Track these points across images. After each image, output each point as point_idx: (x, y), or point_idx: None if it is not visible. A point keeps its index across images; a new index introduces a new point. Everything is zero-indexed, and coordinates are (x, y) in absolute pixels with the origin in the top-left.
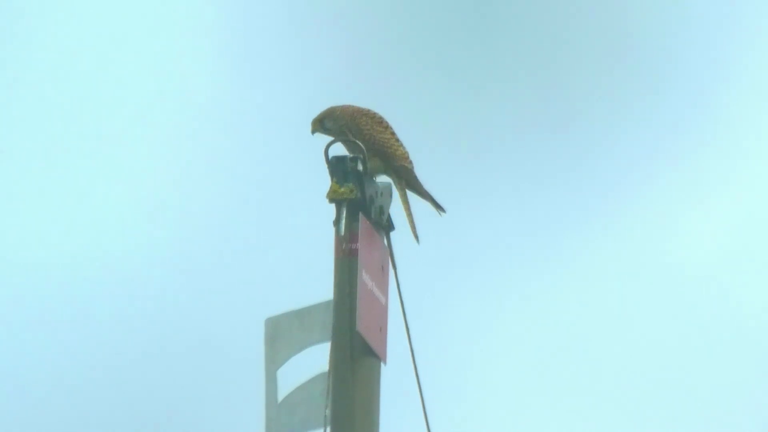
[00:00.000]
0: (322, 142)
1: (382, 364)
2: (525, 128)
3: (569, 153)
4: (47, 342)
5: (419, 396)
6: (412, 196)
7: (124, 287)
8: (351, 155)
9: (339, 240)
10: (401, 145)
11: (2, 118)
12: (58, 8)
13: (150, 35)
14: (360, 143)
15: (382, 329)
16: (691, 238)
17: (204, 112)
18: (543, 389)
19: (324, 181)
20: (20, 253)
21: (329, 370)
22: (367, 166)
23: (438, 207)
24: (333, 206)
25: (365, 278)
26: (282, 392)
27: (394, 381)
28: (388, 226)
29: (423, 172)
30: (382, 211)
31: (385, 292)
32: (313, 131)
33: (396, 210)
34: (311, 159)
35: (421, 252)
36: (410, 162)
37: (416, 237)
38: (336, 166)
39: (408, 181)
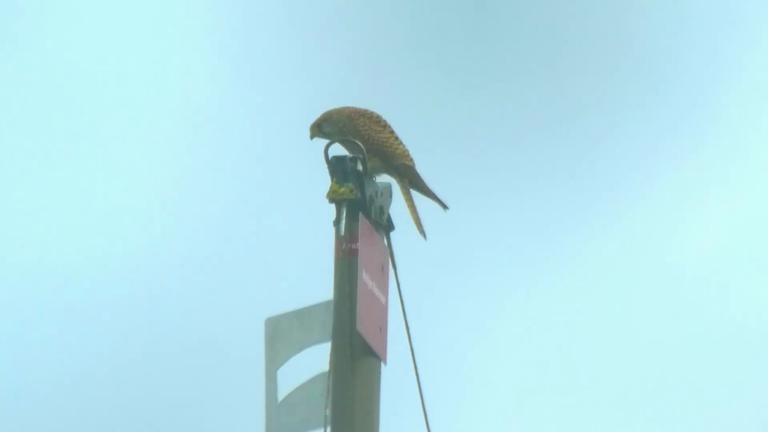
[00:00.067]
0: (322, 142)
1: (382, 364)
2: (525, 128)
3: (569, 153)
4: (47, 342)
5: (419, 396)
6: (415, 194)
7: (124, 287)
8: (351, 155)
9: (339, 240)
10: (401, 143)
11: (2, 118)
12: (58, 8)
13: (150, 35)
14: (360, 143)
15: (382, 329)
16: (691, 238)
17: (204, 112)
18: (543, 389)
19: (324, 181)
20: (20, 253)
21: (329, 370)
22: (367, 167)
23: (441, 204)
24: (333, 206)
25: (365, 278)
26: (282, 392)
27: (394, 381)
28: (388, 226)
29: (423, 172)
30: (382, 211)
31: (385, 292)
32: (312, 136)
33: (397, 210)
34: (311, 159)
35: (421, 252)
36: (411, 159)
37: (423, 233)
38: (336, 166)
39: (410, 179)
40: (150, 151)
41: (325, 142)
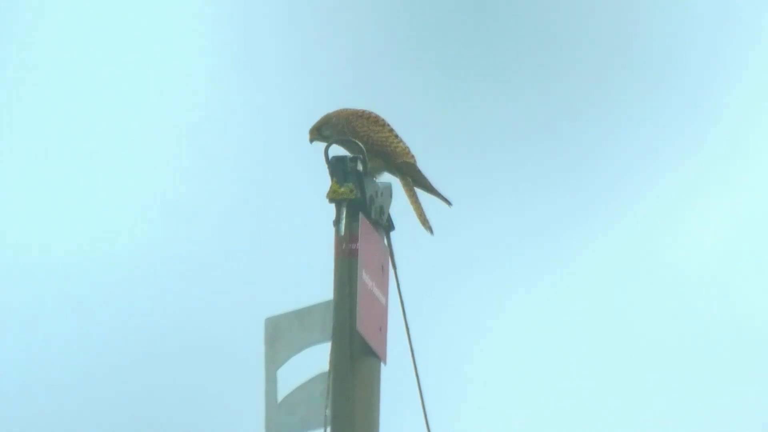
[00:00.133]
0: (322, 144)
1: (382, 364)
2: (524, 128)
3: (569, 152)
4: (47, 342)
5: (419, 396)
6: (419, 192)
7: (124, 287)
8: (351, 155)
9: (339, 240)
10: (401, 141)
11: (2, 118)
12: (58, 8)
13: (150, 35)
14: (360, 143)
15: (382, 329)
16: (692, 238)
17: (204, 112)
18: (543, 389)
19: (324, 181)
20: (20, 253)
21: (329, 370)
22: (367, 167)
23: (445, 200)
24: (333, 206)
25: (365, 278)
26: (282, 392)
27: (394, 381)
28: (388, 226)
29: (424, 172)
30: (382, 211)
31: (385, 292)
32: (312, 140)
33: (397, 210)
34: (311, 159)
35: (421, 252)
36: (412, 157)
37: (430, 229)
38: (336, 166)
39: (412, 176)
40: (150, 151)
41: (325, 144)
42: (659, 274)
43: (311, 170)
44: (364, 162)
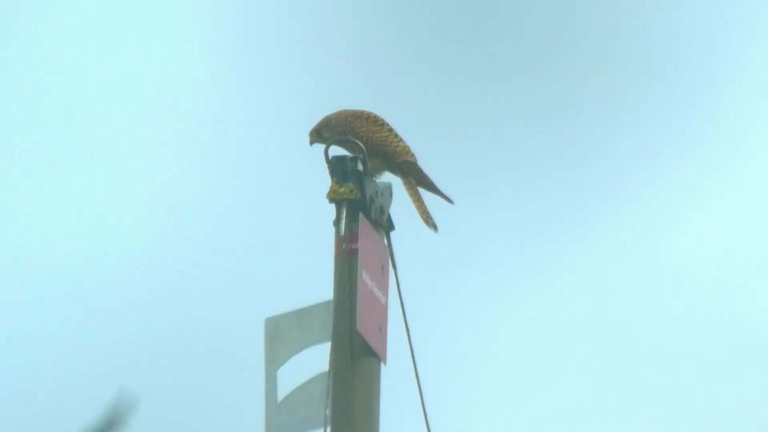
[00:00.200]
0: (323, 145)
1: (382, 364)
2: (524, 128)
3: (569, 152)
4: (47, 342)
5: (419, 396)
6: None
7: (124, 287)
8: (351, 155)
9: (339, 240)
10: (401, 140)
11: (2, 118)
12: (58, 8)
13: (150, 35)
14: (360, 143)
15: (382, 329)
16: (692, 238)
17: (204, 111)
18: (543, 389)
19: (324, 181)
20: (20, 253)
21: (329, 370)
22: (367, 166)
23: (446, 198)
24: (333, 206)
25: (365, 278)
26: (282, 392)
27: (394, 381)
28: (388, 226)
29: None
30: (382, 211)
31: (385, 292)
32: (312, 142)
33: (397, 210)
34: (311, 159)
35: (421, 252)
36: (412, 155)
37: (434, 226)
38: (336, 166)
39: (413, 175)
40: (150, 151)
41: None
42: (659, 274)
43: (311, 170)
44: (364, 162)
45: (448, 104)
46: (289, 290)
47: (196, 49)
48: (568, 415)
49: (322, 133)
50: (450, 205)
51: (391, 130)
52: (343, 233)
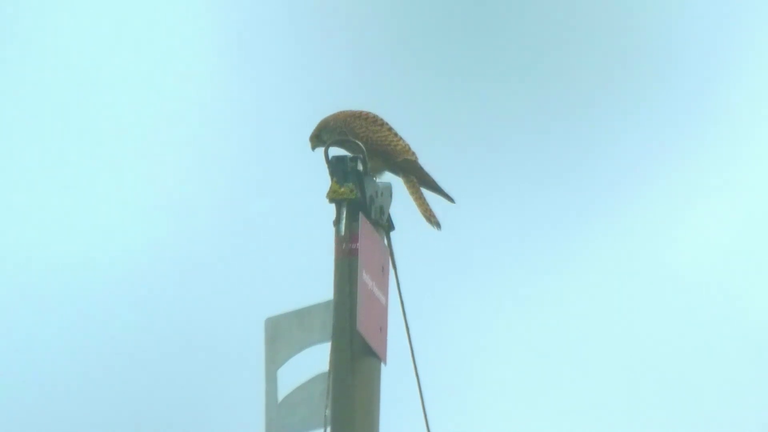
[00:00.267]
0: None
1: (382, 364)
2: (524, 128)
3: (569, 152)
4: (47, 342)
5: (419, 396)
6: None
7: (124, 287)
8: (351, 155)
9: (339, 240)
10: (400, 139)
11: (2, 118)
12: (58, 8)
13: (150, 35)
14: (360, 143)
15: (382, 329)
16: (692, 239)
17: (204, 112)
18: (543, 389)
19: (324, 181)
20: (20, 253)
21: (329, 370)
22: (367, 166)
23: (448, 197)
24: (333, 206)
25: (365, 278)
26: (282, 392)
27: (394, 381)
28: (388, 226)
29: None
30: (382, 211)
31: (385, 292)
32: (314, 147)
33: (397, 210)
34: (311, 159)
35: (421, 252)
36: (413, 154)
37: (437, 224)
38: (336, 166)
39: (414, 174)
40: (150, 151)
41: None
42: (660, 274)
43: (311, 170)
44: (364, 162)
45: (448, 105)
46: (289, 290)
47: (196, 49)
48: (568, 415)
49: (321, 136)
50: (450, 205)
51: (390, 129)
52: (343, 233)
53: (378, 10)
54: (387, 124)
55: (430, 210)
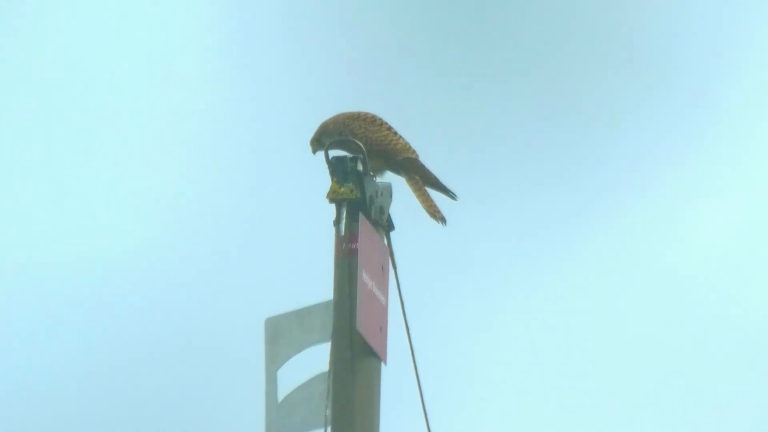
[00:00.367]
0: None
1: (382, 364)
2: (526, 128)
3: (570, 154)
4: (47, 342)
5: (419, 396)
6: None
7: (124, 287)
8: (351, 155)
9: (339, 240)
10: (400, 137)
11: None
12: (59, 8)
13: (150, 35)
14: (360, 143)
15: (382, 329)
16: (693, 239)
17: (204, 112)
18: (543, 389)
19: (324, 181)
20: (20, 253)
21: (329, 370)
22: (367, 166)
23: (450, 194)
24: (333, 206)
25: (365, 278)
26: (282, 392)
27: (394, 381)
28: (388, 226)
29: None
30: (382, 211)
31: (385, 292)
32: (314, 151)
33: (397, 210)
34: (311, 159)
35: (421, 252)
36: (413, 152)
37: (442, 220)
38: (336, 166)
39: (415, 172)
40: (150, 151)
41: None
42: (660, 274)
43: (311, 170)
44: (364, 162)
45: (450, 104)
46: (289, 290)
47: (196, 50)
48: (568, 415)
49: (322, 139)
50: (450, 205)
51: (390, 128)
52: (343, 233)
53: (379, 10)
54: (386, 123)
55: (435, 206)
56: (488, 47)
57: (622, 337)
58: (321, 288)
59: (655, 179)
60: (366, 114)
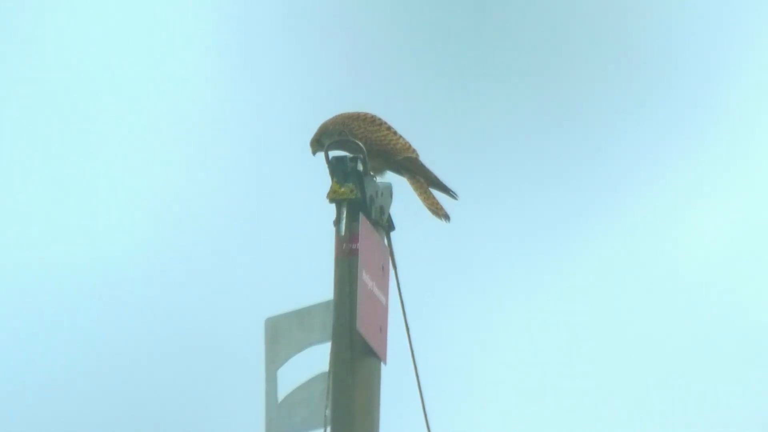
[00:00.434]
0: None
1: (382, 364)
2: (526, 128)
3: (570, 153)
4: (47, 342)
5: (419, 396)
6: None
7: (124, 287)
8: (351, 155)
9: (339, 240)
10: (400, 137)
11: (2, 118)
12: (59, 8)
13: (150, 35)
14: (360, 143)
15: (382, 329)
16: (693, 238)
17: (204, 112)
18: (543, 389)
19: (324, 181)
20: (20, 253)
21: (329, 370)
22: (367, 166)
23: (450, 194)
24: (333, 206)
25: (365, 278)
26: (282, 392)
27: (394, 381)
28: (388, 226)
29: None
30: (382, 211)
31: (385, 292)
32: (314, 152)
33: (398, 210)
34: (311, 159)
35: (421, 252)
36: (413, 151)
37: (445, 216)
38: (336, 166)
39: (416, 171)
40: (150, 151)
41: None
42: (660, 274)
43: (311, 170)
44: (364, 162)
45: (451, 104)
46: (289, 290)
47: (197, 50)
48: (568, 415)
49: (322, 140)
50: (450, 205)
51: (389, 128)
52: (343, 233)
53: (379, 10)
54: (386, 123)
55: (438, 203)
56: (488, 47)
57: (622, 337)
58: (321, 288)
59: (655, 179)
60: (365, 114)
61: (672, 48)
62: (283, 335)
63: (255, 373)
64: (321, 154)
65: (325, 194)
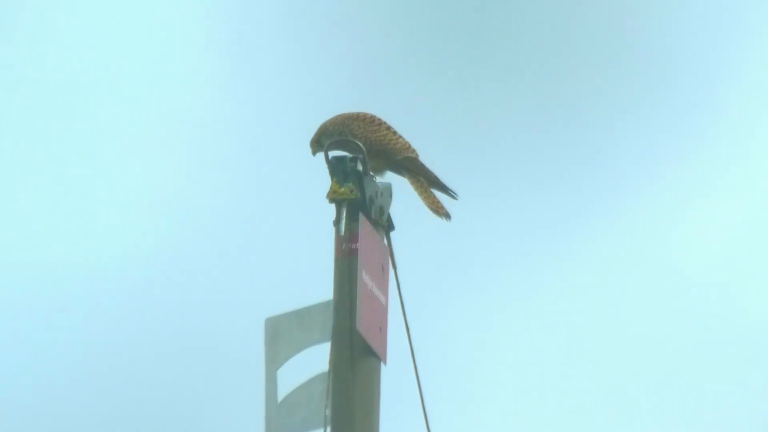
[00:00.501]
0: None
1: (382, 364)
2: (525, 128)
3: (570, 153)
4: (47, 342)
5: (419, 396)
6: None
7: (124, 287)
8: (351, 155)
9: (339, 240)
10: (400, 137)
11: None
12: (59, 8)
13: (150, 35)
14: (359, 143)
15: (382, 329)
16: (693, 238)
17: (204, 112)
18: (543, 389)
19: (324, 181)
20: (20, 253)
21: (329, 370)
22: (367, 166)
23: (450, 194)
24: (333, 206)
25: (365, 278)
26: (282, 392)
27: (394, 381)
28: (388, 226)
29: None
30: (382, 211)
31: (385, 292)
32: (314, 152)
33: (398, 210)
34: (311, 159)
35: (421, 252)
36: (413, 151)
37: (446, 215)
38: (336, 166)
39: (416, 171)
40: (150, 151)
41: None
42: (660, 273)
43: (311, 170)
44: (364, 162)
45: (450, 104)
46: (289, 290)
47: (197, 50)
48: (568, 415)
49: (321, 140)
50: (451, 205)
51: (389, 128)
52: (343, 233)
53: (379, 10)
54: (385, 123)
55: (438, 202)
56: (488, 47)
57: (623, 337)
58: (321, 288)
59: (654, 179)
60: (365, 114)
61: (672, 48)
62: (283, 335)
63: (255, 373)
64: (321, 155)
65: (325, 194)
